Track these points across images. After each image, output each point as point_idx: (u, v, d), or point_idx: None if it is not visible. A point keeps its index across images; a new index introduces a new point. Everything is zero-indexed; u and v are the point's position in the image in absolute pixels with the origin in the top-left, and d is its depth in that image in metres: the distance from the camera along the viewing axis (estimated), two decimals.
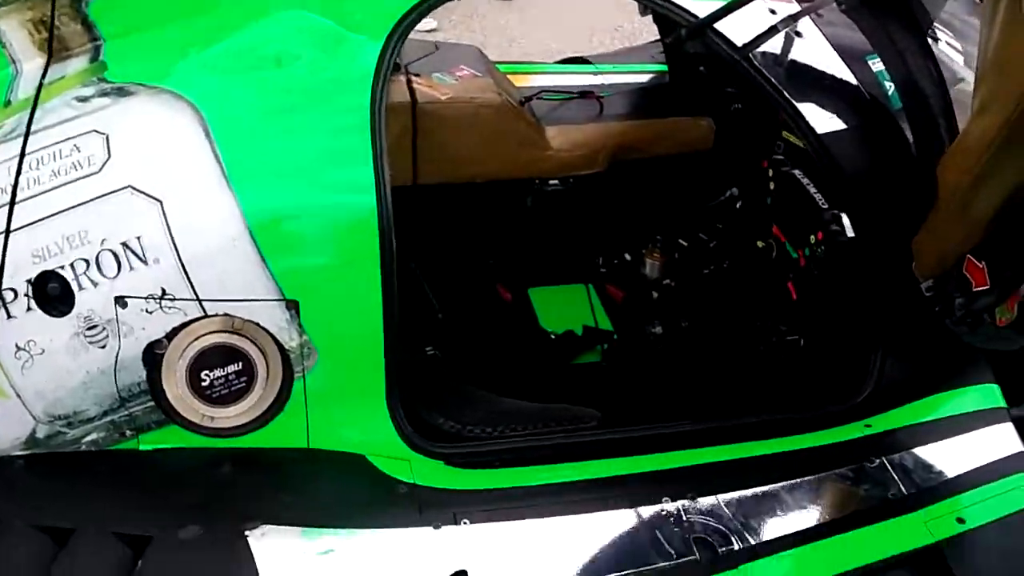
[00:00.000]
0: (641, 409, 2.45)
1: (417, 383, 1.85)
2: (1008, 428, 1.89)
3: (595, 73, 3.24)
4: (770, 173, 2.41)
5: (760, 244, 2.47)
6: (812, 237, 2.19)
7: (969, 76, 2.11)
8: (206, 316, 1.61)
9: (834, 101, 2.08)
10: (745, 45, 2.01)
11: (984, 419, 1.92)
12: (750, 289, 2.69)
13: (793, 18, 2.01)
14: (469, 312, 2.61)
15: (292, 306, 1.62)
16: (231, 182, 1.61)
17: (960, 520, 1.73)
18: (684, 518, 1.70)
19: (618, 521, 1.69)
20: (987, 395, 1.97)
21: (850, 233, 2.06)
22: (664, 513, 1.71)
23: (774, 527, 1.71)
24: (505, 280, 2.91)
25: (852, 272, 2.05)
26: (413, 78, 2.42)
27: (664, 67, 3.27)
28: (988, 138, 1.49)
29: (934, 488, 1.81)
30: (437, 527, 1.63)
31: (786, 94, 2.03)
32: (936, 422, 1.92)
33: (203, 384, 1.66)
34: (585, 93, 2.76)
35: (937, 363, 2.00)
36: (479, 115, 2.36)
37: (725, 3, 1.99)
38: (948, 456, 1.87)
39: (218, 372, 1.66)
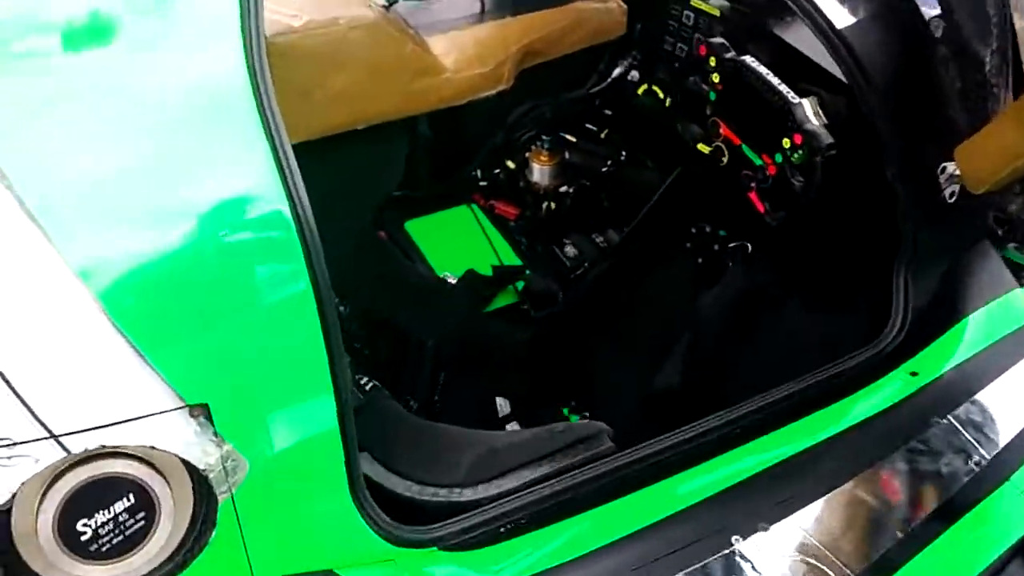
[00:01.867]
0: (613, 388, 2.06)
1: (374, 443, 1.37)
2: None
3: None
4: (712, 62, 1.98)
5: (705, 149, 2.07)
6: (786, 140, 1.82)
7: None
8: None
9: None
10: None
11: None
12: (685, 197, 2.32)
13: None
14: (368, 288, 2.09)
15: (200, 412, 1.09)
16: (53, 240, 1.02)
17: None
18: (767, 562, 1.34)
19: None
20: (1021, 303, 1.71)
21: (816, 121, 1.72)
22: (739, 563, 1.34)
23: (869, 545, 1.39)
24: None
25: (852, 181, 1.70)
26: None
27: None
28: None
29: (1014, 443, 1.53)
30: None
31: None
32: (985, 354, 1.64)
33: (83, 538, 1.12)
34: None
35: (962, 278, 1.71)
36: (351, 42, 1.75)
37: None
38: (1014, 396, 1.59)
39: (101, 516, 1.13)
